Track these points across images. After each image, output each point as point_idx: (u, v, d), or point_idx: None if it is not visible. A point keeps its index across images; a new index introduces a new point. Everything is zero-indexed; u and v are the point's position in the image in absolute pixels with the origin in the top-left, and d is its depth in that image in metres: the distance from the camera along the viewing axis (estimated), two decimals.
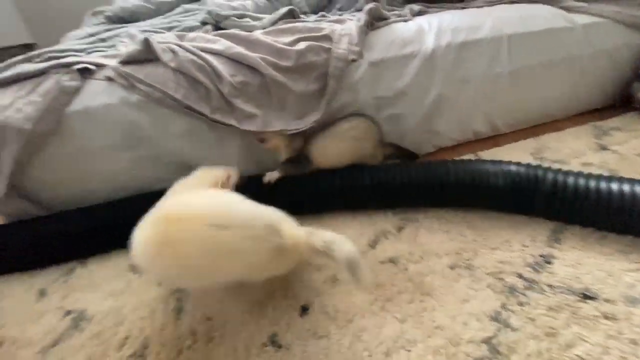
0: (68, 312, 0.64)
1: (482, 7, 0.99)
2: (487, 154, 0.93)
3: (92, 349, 0.57)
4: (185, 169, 0.79)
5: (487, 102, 0.93)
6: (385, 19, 0.89)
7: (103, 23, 1.27)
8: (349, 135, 0.76)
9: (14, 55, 0.87)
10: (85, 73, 0.71)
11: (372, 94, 0.81)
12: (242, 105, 0.73)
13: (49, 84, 0.68)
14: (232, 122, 0.74)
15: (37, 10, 2.14)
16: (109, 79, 0.70)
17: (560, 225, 0.69)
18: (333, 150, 0.76)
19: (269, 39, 0.77)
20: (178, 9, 1.30)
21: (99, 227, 0.74)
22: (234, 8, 1.03)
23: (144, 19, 1.26)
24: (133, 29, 0.97)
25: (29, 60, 0.80)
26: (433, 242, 0.70)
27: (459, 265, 0.65)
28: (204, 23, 0.97)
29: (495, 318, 0.55)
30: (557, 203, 0.66)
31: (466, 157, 0.92)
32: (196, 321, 0.60)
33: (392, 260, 0.67)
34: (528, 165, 0.70)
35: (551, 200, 0.66)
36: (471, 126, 0.96)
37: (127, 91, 0.69)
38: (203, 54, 0.73)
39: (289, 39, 0.78)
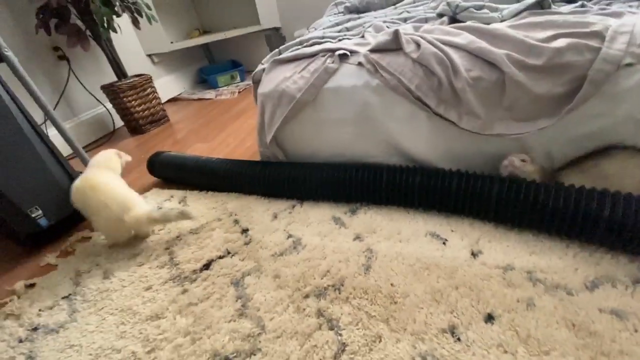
0: (290, 235, 0.86)
1: None
2: None
3: (304, 268, 0.75)
4: (393, 149, 0.89)
5: None
6: None
7: (342, 13, 1.51)
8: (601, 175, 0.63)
9: (268, 36, 1.14)
10: (343, 57, 0.88)
11: None
12: (470, 101, 0.73)
13: (317, 64, 0.88)
14: (453, 117, 0.76)
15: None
16: (360, 64, 0.84)
17: None
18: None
19: (519, 34, 0.72)
20: (407, 0, 1.38)
21: (318, 180, 0.93)
22: None
23: (375, 9, 1.41)
24: (375, 20, 1.11)
25: (300, 44, 1.05)
26: None
27: None
28: (440, 15, 1.00)
29: None
30: None
31: None
32: (381, 281, 0.69)
33: (617, 314, 0.55)
34: None
35: None
36: None
37: (370, 76, 0.82)
38: (444, 47, 0.76)
39: (544, 34, 0.71)
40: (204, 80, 2.62)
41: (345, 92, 0.84)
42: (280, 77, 0.91)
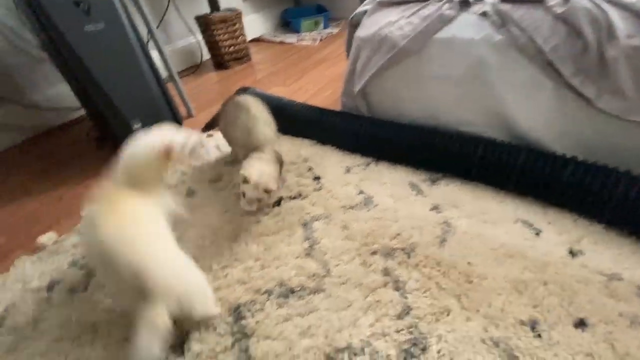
0: (361, 192, 0.84)
1: None
2: None
3: (373, 226, 0.74)
4: (498, 120, 0.79)
5: None
6: None
7: None
8: None
9: None
10: (464, 5, 0.76)
11: None
12: (620, 76, 0.60)
13: (430, 9, 0.78)
14: (590, 93, 0.63)
15: None
16: (484, 14, 0.72)
17: None
18: None
19: None
20: None
21: (401, 142, 0.87)
22: None
23: None
24: None
25: None
26: None
27: None
28: None
29: None
30: None
31: None
32: (457, 257, 0.65)
33: None
34: None
35: None
36: None
37: (494, 29, 0.70)
38: (603, 4, 0.61)
39: None
40: (287, 23, 2.56)
41: (458, 46, 0.74)
42: (383, 21, 0.83)
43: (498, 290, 0.59)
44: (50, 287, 0.70)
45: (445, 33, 0.75)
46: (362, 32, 0.88)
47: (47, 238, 0.83)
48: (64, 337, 0.60)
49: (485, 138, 0.77)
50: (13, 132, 1.33)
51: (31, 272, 0.75)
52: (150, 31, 1.16)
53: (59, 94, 1.44)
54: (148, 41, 1.50)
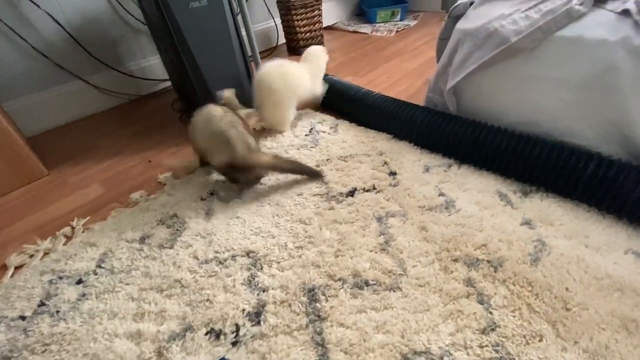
0: (442, 194, 0.80)
1: None
2: None
3: (455, 232, 0.69)
4: (619, 136, 0.69)
5: None
6: None
7: None
8: None
9: None
10: (598, 1, 0.67)
11: None
12: None
13: (555, 3, 0.69)
14: None
15: None
16: (626, 12, 0.63)
17: None
18: None
19: None
20: None
21: (490, 145, 0.81)
22: None
23: None
24: None
25: None
26: None
27: None
28: None
29: None
30: None
31: None
32: (553, 280, 0.59)
33: None
34: None
35: None
36: None
37: (636, 31, 0.61)
38: None
39: None
40: (362, 13, 2.51)
41: (585, 47, 0.66)
42: (494, 14, 0.77)
43: (602, 325, 0.52)
44: (141, 240, 0.77)
45: (569, 31, 0.67)
46: (465, 24, 0.82)
47: (138, 195, 0.92)
48: (152, 286, 0.66)
49: (599, 154, 0.68)
50: (111, 96, 1.48)
51: (125, 223, 0.82)
52: (242, 11, 1.20)
53: (150, 65, 1.57)
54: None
